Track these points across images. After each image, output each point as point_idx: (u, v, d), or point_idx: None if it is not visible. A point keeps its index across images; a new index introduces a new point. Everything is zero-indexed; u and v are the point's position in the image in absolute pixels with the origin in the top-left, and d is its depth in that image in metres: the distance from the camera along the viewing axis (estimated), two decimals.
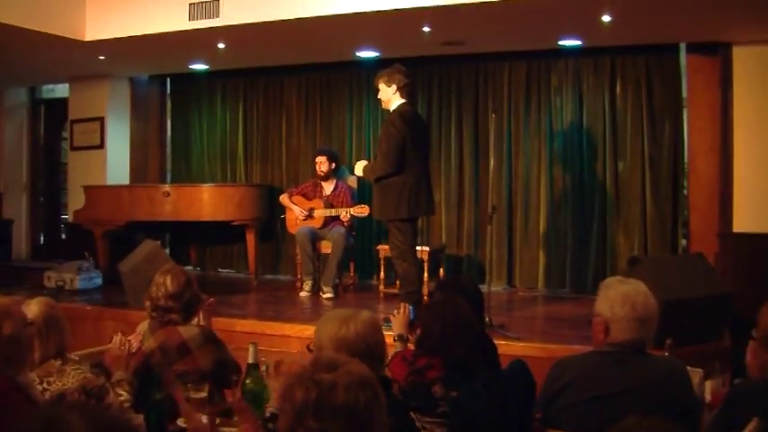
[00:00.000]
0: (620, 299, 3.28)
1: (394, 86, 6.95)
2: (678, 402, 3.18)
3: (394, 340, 4.20)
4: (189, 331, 4.02)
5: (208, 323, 4.38)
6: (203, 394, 3.34)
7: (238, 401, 3.20)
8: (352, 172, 9.44)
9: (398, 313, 4.38)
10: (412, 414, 3.25)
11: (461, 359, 3.51)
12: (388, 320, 5.14)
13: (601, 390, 3.19)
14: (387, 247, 7.38)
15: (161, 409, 3.23)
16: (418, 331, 3.73)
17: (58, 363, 3.48)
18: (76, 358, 3.80)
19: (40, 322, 3.52)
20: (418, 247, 8.33)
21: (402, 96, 6.99)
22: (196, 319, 4.33)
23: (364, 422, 1.93)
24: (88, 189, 10.04)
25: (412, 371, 3.50)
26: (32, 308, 3.57)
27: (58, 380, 3.38)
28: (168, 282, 4.08)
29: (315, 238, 8.90)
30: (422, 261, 8.24)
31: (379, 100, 7.20)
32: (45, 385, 3.33)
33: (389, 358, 3.66)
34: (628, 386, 3.16)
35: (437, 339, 3.55)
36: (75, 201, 10.50)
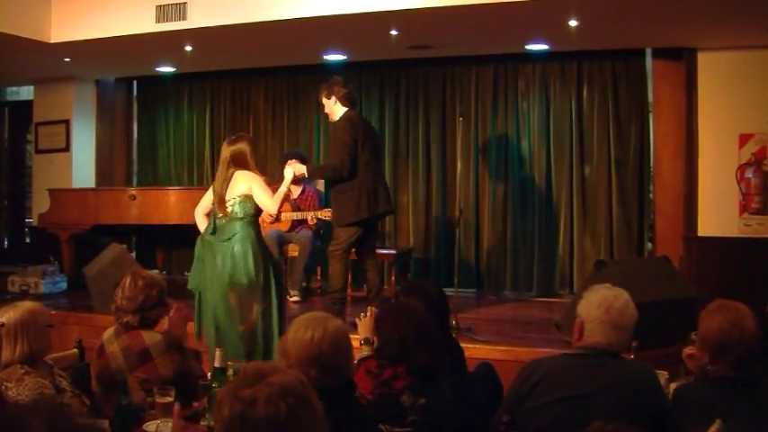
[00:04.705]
0: (597, 301, 3.31)
1: (334, 98, 7.12)
2: (647, 405, 3.20)
3: (360, 344, 4.19)
4: (152, 338, 3.99)
5: (175, 329, 4.33)
6: (169, 399, 3.32)
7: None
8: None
9: (365, 317, 4.37)
10: (381, 426, 3.24)
11: (424, 365, 3.48)
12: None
13: (569, 391, 3.19)
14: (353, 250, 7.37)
15: (126, 414, 3.21)
16: (376, 340, 3.71)
17: (22, 370, 3.44)
18: (51, 363, 3.78)
19: (12, 325, 3.51)
20: (384, 251, 8.37)
21: (344, 105, 7.14)
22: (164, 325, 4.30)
23: (290, 430, 1.95)
24: (53, 192, 9.93)
25: (378, 383, 3.47)
26: (10, 312, 3.58)
27: (15, 387, 3.35)
28: (127, 283, 4.08)
29: (282, 241, 8.87)
30: (382, 263, 8.34)
31: (326, 114, 7.34)
32: (2, 389, 3.31)
33: (355, 363, 3.63)
34: (597, 388, 3.17)
35: (396, 348, 3.51)
36: (40, 204, 10.39)
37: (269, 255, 6.11)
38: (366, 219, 7.01)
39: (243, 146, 6.04)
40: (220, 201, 5.90)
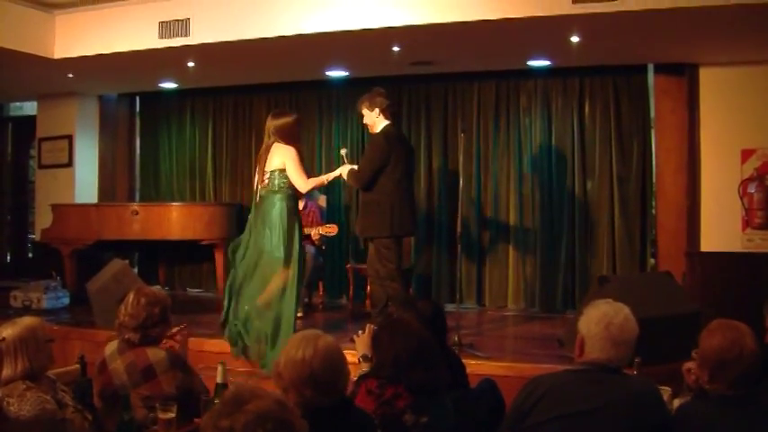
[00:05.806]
0: (597, 317, 3.31)
1: (377, 110, 7.03)
2: (649, 421, 3.19)
3: (359, 361, 4.18)
4: (156, 354, 3.99)
5: (182, 348, 4.33)
6: (171, 415, 3.32)
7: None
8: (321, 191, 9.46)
9: (362, 333, 4.36)
10: None
11: (423, 382, 3.47)
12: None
13: (571, 407, 3.18)
14: (359, 266, 7.34)
15: (128, 429, 3.20)
16: (373, 360, 3.71)
17: (24, 386, 3.44)
18: (53, 378, 3.78)
19: (11, 341, 3.51)
20: None
21: (386, 118, 7.07)
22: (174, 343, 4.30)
23: None
24: (56, 207, 9.95)
25: (380, 403, 3.44)
26: (9, 329, 3.59)
27: (16, 402, 3.35)
28: (130, 301, 4.09)
29: None
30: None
31: (365, 125, 7.27)
32: (5, 405, 3.30)
33: (354, 380, 3.61)
34: (598, 405, 3.16)
35: (392, 367, 3.50)
36: (43, 219, 10.41)
37: (299, 233, 6.49)
38: (388, 236, 6.94)
39: (286, 120, 6.56)
40: (261, 172, 6.43)
